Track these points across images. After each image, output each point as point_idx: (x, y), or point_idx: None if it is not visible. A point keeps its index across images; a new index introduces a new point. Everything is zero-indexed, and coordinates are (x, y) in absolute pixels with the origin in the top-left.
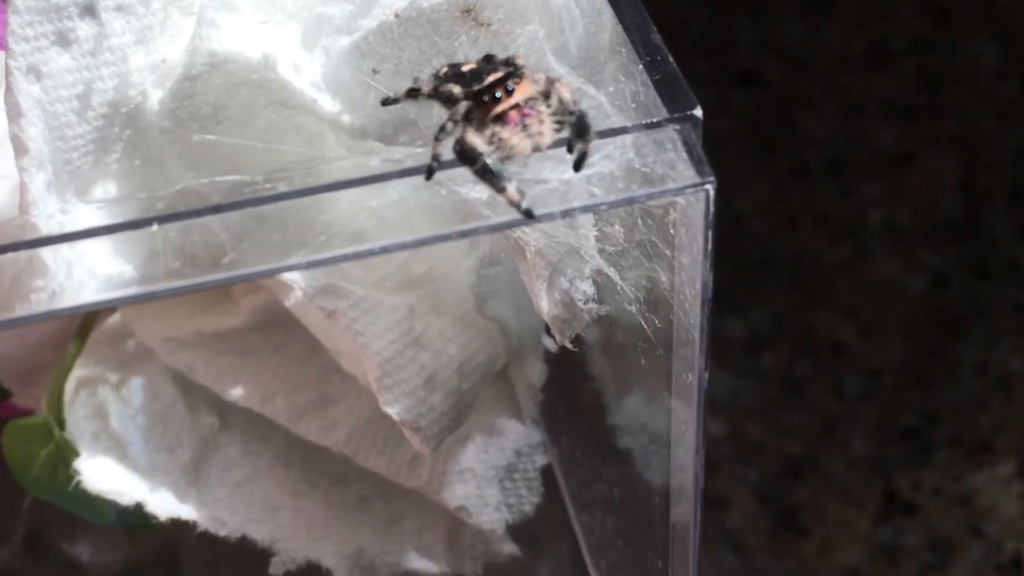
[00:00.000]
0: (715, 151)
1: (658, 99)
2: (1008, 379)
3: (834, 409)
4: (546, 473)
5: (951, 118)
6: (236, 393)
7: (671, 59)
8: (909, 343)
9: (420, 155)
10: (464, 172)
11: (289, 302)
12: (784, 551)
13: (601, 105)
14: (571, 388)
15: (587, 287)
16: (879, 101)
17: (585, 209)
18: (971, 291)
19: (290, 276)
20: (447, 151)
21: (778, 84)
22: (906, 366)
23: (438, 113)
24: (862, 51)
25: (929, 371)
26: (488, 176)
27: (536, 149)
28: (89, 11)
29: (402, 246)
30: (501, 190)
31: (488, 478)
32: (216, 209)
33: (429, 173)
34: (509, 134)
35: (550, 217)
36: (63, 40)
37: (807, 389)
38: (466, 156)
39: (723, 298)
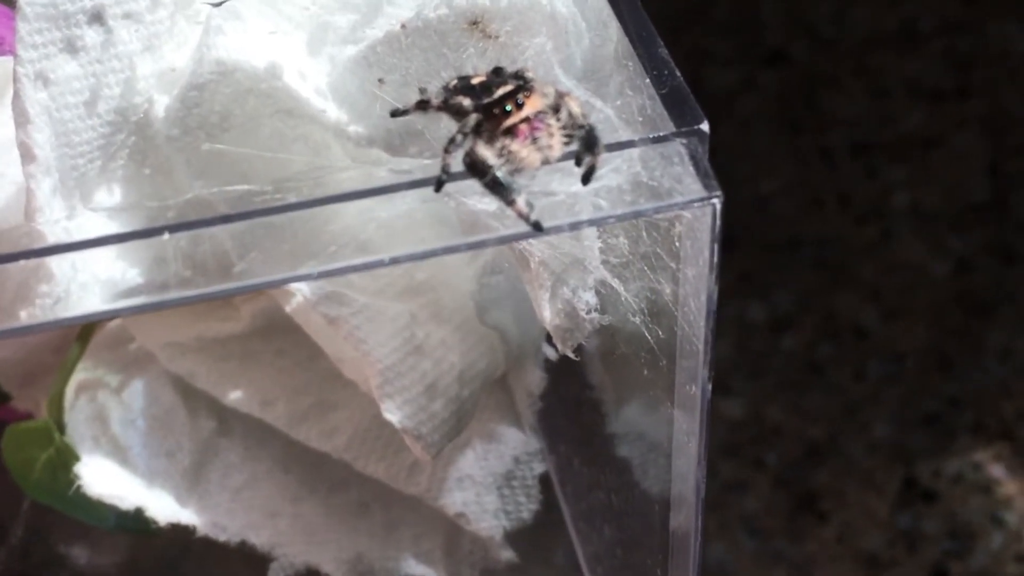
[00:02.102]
0: (740, 131)
1: (665, 113)
2: None
3: (856, 393)
4: (543, 481)
5: (979, 100)
6: (236, 398)
7: (678, 73)
8: (933, 327)
9: (428, 166)
10: (472, 184)
11: (290, 308)
12: (802, 535)
13: (608, 118)
14: (570, 397)
15: (590, 297)
16: (907, 82)
17: (593, 222)
18: (996, 276)
19: (294, 284)
20: (456, 163)
21: (805, 64)
22: (929, 350)
23: (446, 124)
24: (891, 31)
25: (953, 356)
26: (498, 189)
27: (545, 162)
28: (97, 18)
29: (411, 257)
30: (511, 203)
31: (487, 485)
32: (226, 219)
33: (439, 185)
34: (519, 147)
35: (558, 230)
36: (71, 47)
37: (829, 372)
38: (476, 168)
39: (746, 279)
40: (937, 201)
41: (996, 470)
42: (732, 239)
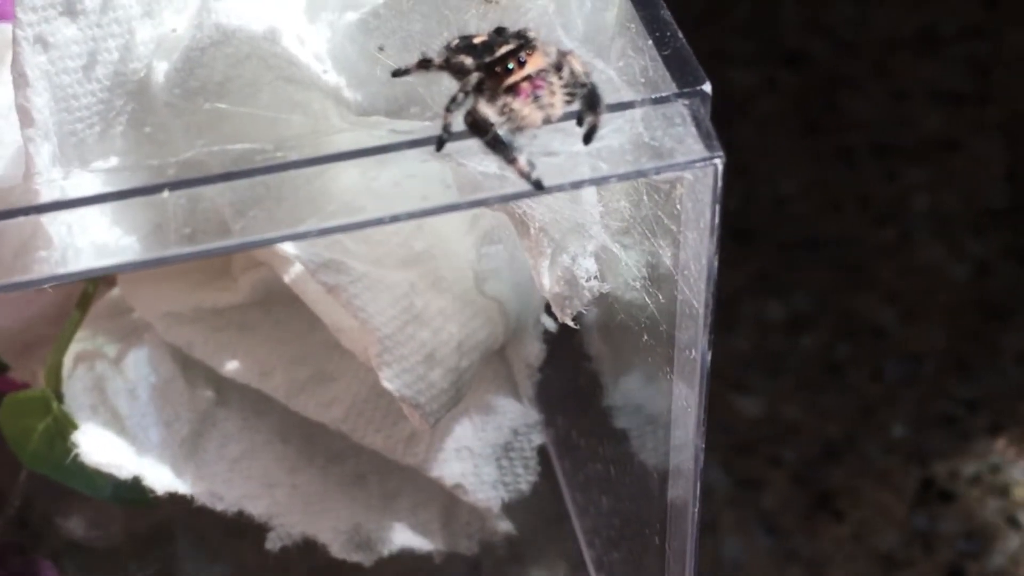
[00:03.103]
0: (759, 131)
1: (667, 74)
2: None
3: (873, 393)
4: (541, 453)
5: (999, 105)
6: (234, 368)
7: (680, 35)
8: (951, 329)
9: (428, 127)
10: (472, 145)
11: (289, 278)
12: (819, 533)
13: (610, 79)
14: (568, 369)
15: (590, 264)
16: (926, 86)
17: (594, 182)
18: (1014, 279)
19: (292, 251)
20: (458, 123)
21: (825, 65)
22: (947, 352)
23: (447, 87)
24: (911, 34)
25: (970, 358)
26: (499, 147)
27: (547, 121)
28: None
29: (412, 215)
30: (512, 161)
31: (485, 456)
32: (227, 176)
33: (440, 144)
34: (521, 105)
35: (559, 188)
36: (70, 10)
37: (846, 372)
38: (477, 127)
39: (764, 279)
40: (956, 204)
41: (1014, 472)
42: (750, 238)
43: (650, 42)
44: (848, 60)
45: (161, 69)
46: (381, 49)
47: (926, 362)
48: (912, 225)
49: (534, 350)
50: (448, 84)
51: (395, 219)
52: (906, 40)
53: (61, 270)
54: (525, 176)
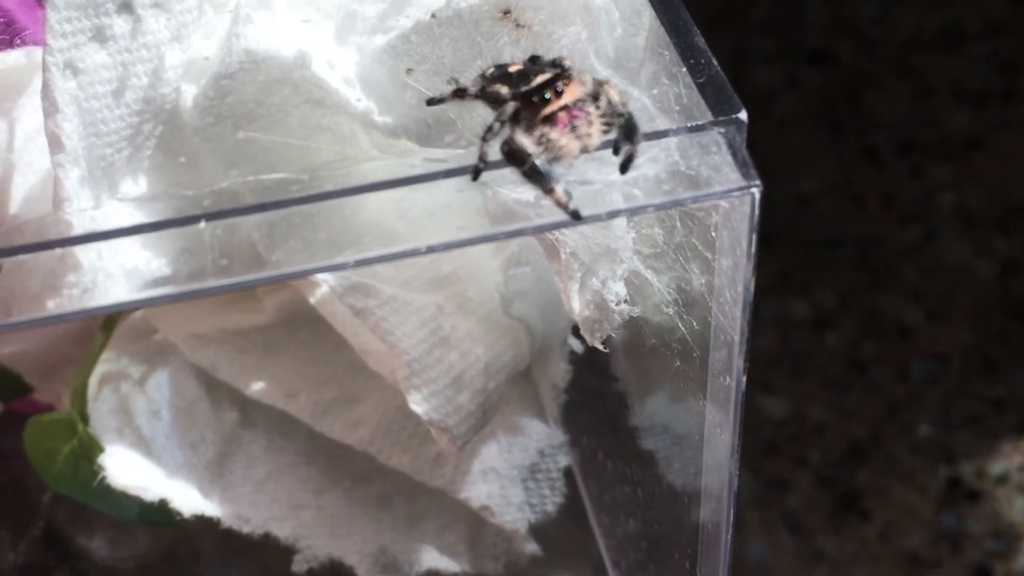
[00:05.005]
0: (782, 130)
1: (702, 102)
2: None
3: (899, 392)
4: (566, 475)
5: None
6: (259, 390)
7: (715, 62)
8: (977, 328)
9: (463, 156)
10: (507, 174)
11: (315, 299)
12: (845, 533)
13: (645, 107)
14: (594, 390)
15: (620, 288)
16: (951, 84)
17: (631, 211)
18: None
19: (320, 275)
20: (494, 152)
21: (849, 63)
22: (974, 351)
23: (480, 113)
24: (935, 32)
25: (997, 357)
26: (536, 177)
27: (584, 150)
28: (126, 7)
29: (448, 246)
30: (549, 191)
31: (511, 478)
32: (263, 207)
33: (476, 173)
34: (558, 135)
35: (596, 218)
36: (100, 36)
37: (872, 371)
38: (514, 157)
39: (788, 278)
40: (981, 202)
41: None
42: (772, 237)
43: (684, 69)
44: (872, 58)
45: (190, 94)
46: (410, 71)
47: (952, 361)
48: (937, 223)
49: (560, 371)
50: (481, 110)
51: (431, 249)
52: (930, 38)
53: (91, 303)
54: (563, 206)
